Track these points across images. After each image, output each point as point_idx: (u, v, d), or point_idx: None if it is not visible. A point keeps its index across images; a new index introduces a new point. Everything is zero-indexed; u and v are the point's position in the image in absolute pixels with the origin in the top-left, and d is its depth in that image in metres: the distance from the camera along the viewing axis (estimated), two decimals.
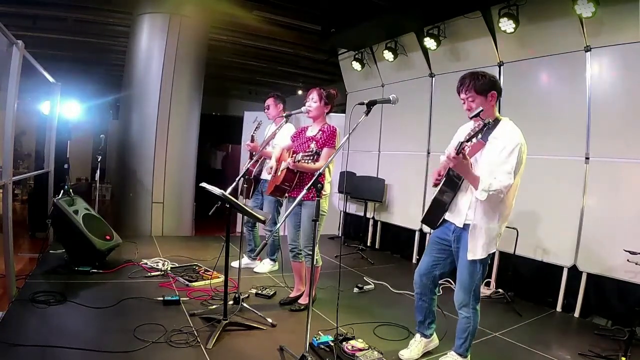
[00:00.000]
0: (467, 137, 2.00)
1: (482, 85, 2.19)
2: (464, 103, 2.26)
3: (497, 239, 2.24)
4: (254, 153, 3.94)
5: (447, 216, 2.34)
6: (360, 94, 6.21)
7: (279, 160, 3.23)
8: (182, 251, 4.54)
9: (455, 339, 2.37)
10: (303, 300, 3.21)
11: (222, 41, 7.00)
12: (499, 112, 4.20)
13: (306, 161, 2.67)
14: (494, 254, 4.03)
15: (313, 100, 3.07)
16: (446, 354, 2.41)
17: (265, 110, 4.07)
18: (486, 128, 1.97)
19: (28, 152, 8.14)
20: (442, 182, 2.29)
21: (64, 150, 5.05)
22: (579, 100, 3.50)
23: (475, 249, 2.20)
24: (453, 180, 2.26)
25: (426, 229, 4.59)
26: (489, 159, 2.14)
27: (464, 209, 2.23)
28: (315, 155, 2.60)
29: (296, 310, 3.13)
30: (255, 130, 4.00)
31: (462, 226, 2.25)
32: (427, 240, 4.92)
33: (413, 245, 5.13)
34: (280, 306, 3.22)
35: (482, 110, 2.08)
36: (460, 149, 2.02)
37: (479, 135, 1.99)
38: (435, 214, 2.38)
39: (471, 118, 2.17)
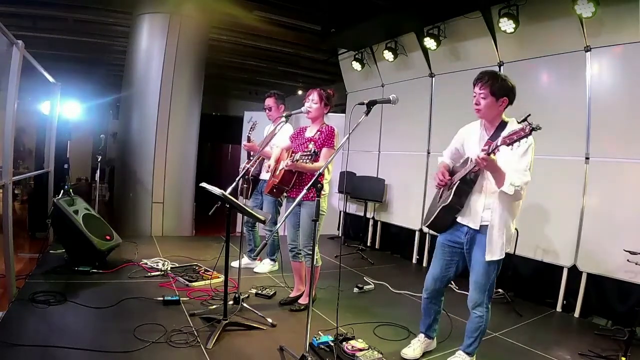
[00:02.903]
0: (507, 142, 1.92)
1: (498, 89, 2.17)
2: (475, 97, 2.23)
3: (511, 238, 2.26)
4: (252, 153, 3.94)
5: (460, 219, 2.33)
6: (360, 94, 6.21)
7: (278, 161, 3.23)
8: (182, 251, 4.54)
9: (464, 338, 2.37)
10: (303, 300, 3.21)
11: (222, 41, 7.00)
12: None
13: (304, 161, 2.65)
14: None
15: (314, 102, 3.06)
16: (454, 353, 2.41)
17: (267, 112, 3.97)
18: (525, 136, 1.86)
19: (29, 148, 8.10)
20: (455, 188, 2.25)
21: (64, 150, 5.05)
22: (579, 100, 3.50)
23: (494, 250, 2.20)
24: (468, 184, 2.26)
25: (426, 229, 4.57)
26: (504, 159, 2.10)
27: (479, 211, 2.24)
28: (314, 155, 2.58)
29: (296, 310, 3.13)
30: (250, 130, 3.98)
31: (477, 228, 2.25)
32: (426, 243, 4.92)
33: (413, 245, 5.13)
34: (280, 306, 3.21)
35: (529, 115, 1.95)
36: (493, 150, 1.98)
37: (517, 144, 1.90)
38: (445, 218, 2.35)
39: (520, 122, 2.01)
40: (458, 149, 2.46)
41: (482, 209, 2.23)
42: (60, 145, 4.74)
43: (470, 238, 2.29)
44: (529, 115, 1.92)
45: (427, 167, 4.99)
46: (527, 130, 1.83)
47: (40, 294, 2.89)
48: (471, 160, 2.20)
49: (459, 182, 2.25)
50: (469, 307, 2.32)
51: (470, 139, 2.37)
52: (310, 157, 2.56)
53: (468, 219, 2.29)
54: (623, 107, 3.26)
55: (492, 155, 2.00)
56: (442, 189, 2.45)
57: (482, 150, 2.01)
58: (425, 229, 4.76)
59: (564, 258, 3.55)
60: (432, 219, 2.40)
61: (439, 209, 2.33)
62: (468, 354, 2.35)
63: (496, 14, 3.88)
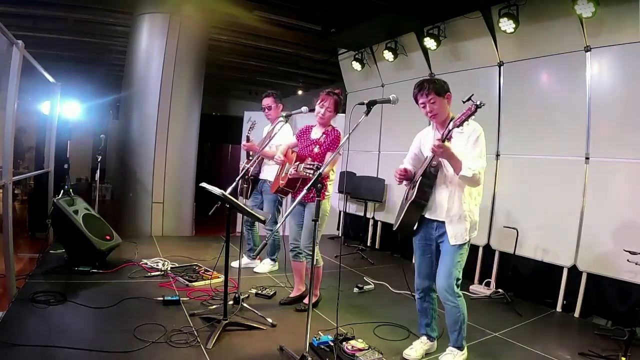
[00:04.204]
0: (457, 123, 2.09)
1: (440, 88, 2.33)
2: (425, 107, 2.36)
3: (477, 224, 2.39)
4: (251, 153, 3.93)
5: (428, 214, 2.42)
6: (360, 94, 6.21)
7: (285, 156, 3.23)
8: (182, 251, 4.54)
9: (449, 333, 2.40)
10: (308, 300, 3.20)
11: (222, 41, 7.00)
12: (499, 112, 4.19)
13: (307, 173, 2.63)
14: (493, 253, 4.07)
15: (328, 110, 3.03)
16: (445, 351, 2.42)
17: (265, 111, 3.97)
18: (472, 113, 2.04)
19: (29, 146, 8.06)
20: (418, 184, 2.35)
21: (64, 150, 5.05)
22: (579, 100, 3.50)
23: (458, 234, 2.30)
24: (430, 178, 2.36)
25: None
26: (459, 151, 2.23)
27: (445, 202, 2.33)
28: (316, 170, 2.55)
29: (302, 310, 3.11)
30: (250, 130, 3.98)
31: (445, 219, 2.34)
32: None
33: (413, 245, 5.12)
34: (280, 306, 3.21)
35: (472, 95, 2.12)
36: (446, 136, 2.14)
37: (468, 121, 2.07)
38: (413, 216, 2.44)
39: (464, 102, 2.19)
40: (417, 153, 2.59)
41: (447, 200, 2.33)
42: (60, 145, 4.73)
43: (440, 231, 2.38)
44: (472, 95, 2.10)
45: None
46: (472, 109, 1.98)
47: (40, 294, 2.89)
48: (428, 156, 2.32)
49: (421, 177, 2.36)
50: (440, 297, 2.38)
51: (426, 140, 2.51)
52: (312, 172, 2.53)
53: (436, 213, 2.38)
54: (623, 107, 3.26)
55: (446, 142, 2.13)
56: (407, 192, 2.54)
57: (437, 139, 2.13)
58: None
59: (564, 258, 3.54)
60: (400, 219, 2.46)
61: (406, 207, 2.41)
62: (458, 347, 2.38)
63: (496, 14, 3.88)
